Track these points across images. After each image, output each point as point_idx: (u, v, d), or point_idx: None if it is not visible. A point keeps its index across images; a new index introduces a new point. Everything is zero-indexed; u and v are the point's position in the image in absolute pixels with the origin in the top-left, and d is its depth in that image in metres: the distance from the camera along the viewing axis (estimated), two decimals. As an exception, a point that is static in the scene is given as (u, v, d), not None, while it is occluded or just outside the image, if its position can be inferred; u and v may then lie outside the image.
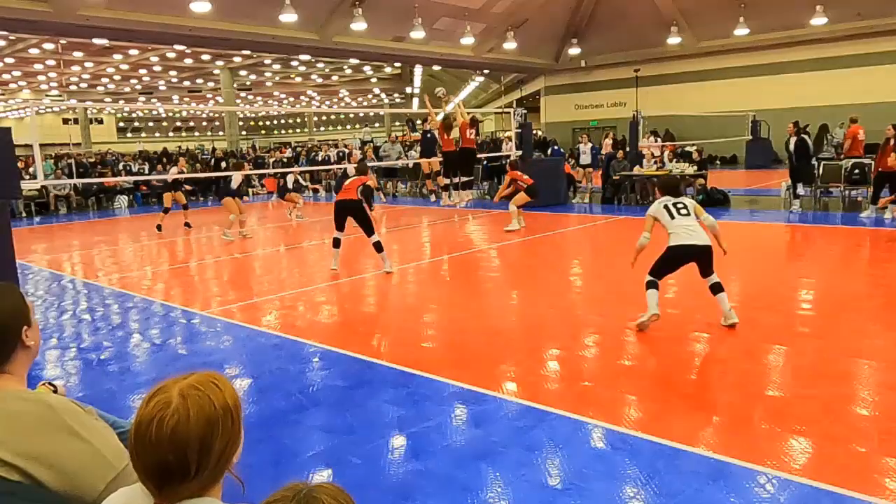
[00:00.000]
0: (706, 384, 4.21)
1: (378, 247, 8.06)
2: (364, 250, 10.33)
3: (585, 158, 17.02)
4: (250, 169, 13.13)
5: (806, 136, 12.90)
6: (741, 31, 22.72)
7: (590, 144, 17.35)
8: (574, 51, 27.10)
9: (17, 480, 1.41)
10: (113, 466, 1.48)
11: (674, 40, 24.36)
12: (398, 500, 3.01)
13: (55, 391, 1.95)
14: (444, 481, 3.15)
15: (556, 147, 20.57)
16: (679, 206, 5.51)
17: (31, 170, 19.30)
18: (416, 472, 3.25)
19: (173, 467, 1.18)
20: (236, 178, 12.26)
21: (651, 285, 5.41)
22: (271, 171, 21.89)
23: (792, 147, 12.55)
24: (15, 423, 1.46)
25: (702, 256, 5.32)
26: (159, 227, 13.27)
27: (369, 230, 8.04)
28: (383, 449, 3.52)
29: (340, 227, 8.15)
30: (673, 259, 5.42)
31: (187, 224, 13.76)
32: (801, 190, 12.75)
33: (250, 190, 23.16)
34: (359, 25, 18.64)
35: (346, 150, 22.01)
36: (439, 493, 3.04)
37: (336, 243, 8.27)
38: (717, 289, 5.43)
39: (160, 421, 1.18)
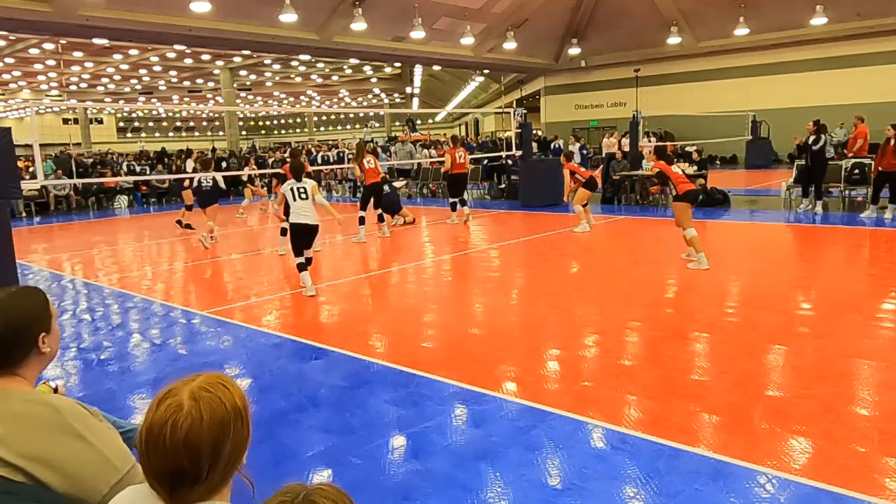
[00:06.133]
0: (706, 384, 4.21)
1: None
2: (364, 251, 10.34)
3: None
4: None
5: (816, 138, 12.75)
6: (741, 31, 22.71)
7: (558, 143, 17.35)
8: (574, 51, 27.11)
9: (21, 481, 1.41)
10: (117, 469, 1.48)
11: (674, 40, 24.36)
12: (398, 500, 3.01)
13: (55, 391, 1.95)
14: (444, 481, 3.15)
15: (558, 146, 20.56)
16: (300, 190, 6.72)
17: (31, 170, 19.30)
18: (416, 472, 3.25)
19: (186, 471, 1.17)
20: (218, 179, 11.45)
21: (301, 267, 6.92)
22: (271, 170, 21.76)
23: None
24: (19, 425, 1.46)
25: (310, 232, 6.88)
26: (188, 226, 12.94)
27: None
28: (383, 449, 3.52)
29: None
30: (295, 234, 6.85)
31: (181, 223, 13.25)
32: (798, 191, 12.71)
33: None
34: (359, 25, 18.64)
35: (347, 151, 21.92)
36: (439, 493, 3.05)
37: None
38: (303, 266, 6.92)
39: (174, 424, 1.16)
